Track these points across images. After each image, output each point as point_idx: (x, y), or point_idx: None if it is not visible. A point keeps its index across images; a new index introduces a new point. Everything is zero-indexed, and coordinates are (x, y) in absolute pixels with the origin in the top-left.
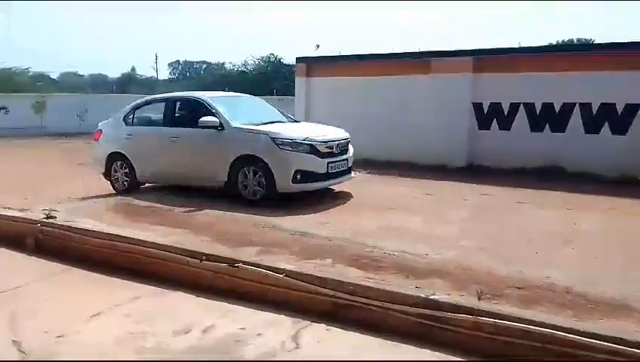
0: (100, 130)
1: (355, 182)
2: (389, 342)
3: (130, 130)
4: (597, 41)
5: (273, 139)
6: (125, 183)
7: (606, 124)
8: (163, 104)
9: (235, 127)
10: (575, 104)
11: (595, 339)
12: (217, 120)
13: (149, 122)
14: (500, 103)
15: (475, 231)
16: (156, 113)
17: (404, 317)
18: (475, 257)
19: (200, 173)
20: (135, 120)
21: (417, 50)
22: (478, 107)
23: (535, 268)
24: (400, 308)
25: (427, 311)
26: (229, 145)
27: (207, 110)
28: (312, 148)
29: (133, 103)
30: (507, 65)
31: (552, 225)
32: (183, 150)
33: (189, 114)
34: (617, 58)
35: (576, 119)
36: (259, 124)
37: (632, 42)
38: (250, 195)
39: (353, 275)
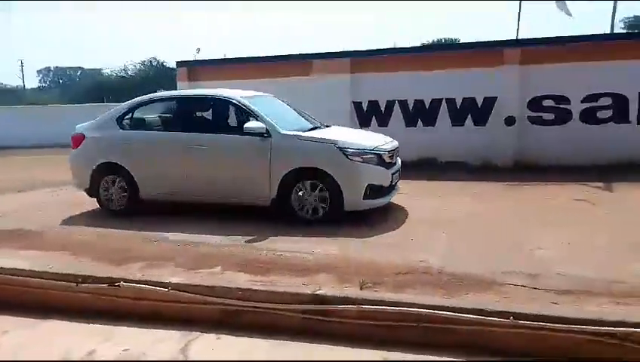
0: (81, 135)
1: None
2: (278, 341)
3: (130, 135)
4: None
5: (341, 149)
6: (122, 202)
7: (469, 116)
8: (175, 104)
9: (286, 135)
10: (442, 99)
11: (461, 313)
12: (264, 126)
13: (157, 125)
14: (377, 101)
15: None
16: (164, 114)
17: (292, 315)
18: (350, 248)
19: (238, 188)
20: (135, 122)
21: (299, 53)
22: (358, 106)
23: (411, 253)
24: (288, 307)
25: (314, 307)
26: (279, 156)
27: (243, 113)
28: (379, 159)
29: (131, 102)
30: (382, 65)
31: (424, 213)
32: (211, 161)
33: (217, 117)
34: (473, 56)
35: (443, 113)
36: (307, 130)
37: (484, 42)
38: (307, 214)
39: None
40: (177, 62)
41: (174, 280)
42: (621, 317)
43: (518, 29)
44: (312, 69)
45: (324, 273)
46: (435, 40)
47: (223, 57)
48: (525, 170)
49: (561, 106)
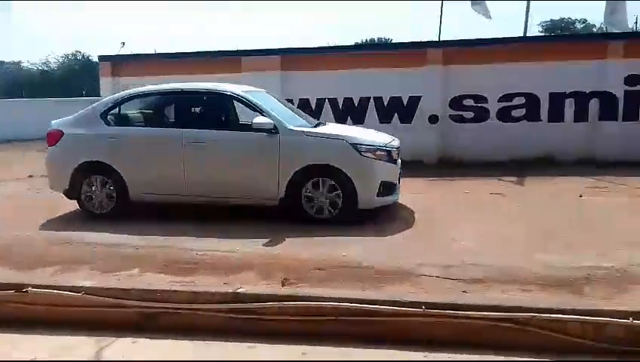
0: (59, 132)
1: None
2: (200, 342)
3: (118, 132)
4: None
5: (354, 145)
6: (110, 204)
7: (396, 114)
8: (169, 98)
9: (294, 130)
10: (370, 98)
11: (378, 305)
12: (272, 121)
13: (148, 121)
14: (308, 99)
15: None
16: (155, 109)
17: (213, 315)
18: (279, 245)
19: (242, 188)
20: (122, 117)
21: (228, 50)
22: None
23: (334, 249)
24: (209, 307)
25: (236, 306)
26: (288, 153)
27: (246, 108)
28: (388, 156)
29: (118, 95)
30: (313, 64)
31: None
32: (212, 159)
33: (216, 112)
34: (399, 56)
35: (372, 111)
36: (313, 126)
37: (409, 42)
38: (317, 213)
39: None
40: (100, 56)
41: (88, 284)
42: (522, 303)
43: (440, 30)
44: (241, 67)
45: (248, 271)
46: (368, 40)
47: (149, 53)
48: (449, 166)
49: (479, 105)
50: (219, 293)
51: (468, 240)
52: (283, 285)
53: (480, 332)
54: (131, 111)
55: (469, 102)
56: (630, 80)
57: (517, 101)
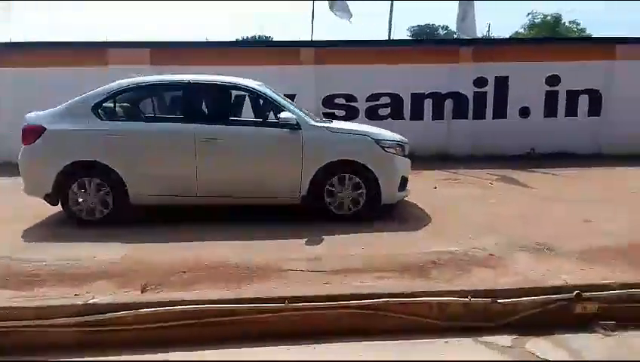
0: (39, 127)
1: None
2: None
3: (117, 127)
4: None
5: (377, 141)
6: (105, 209)
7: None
8: (176, 91)
9: (316, 126)
10: (246, 95)
11: (240, 304)
12: (295, 117)
13: (150, 115)
14: None
15: None
16: (159, 102)
17: (63, 330)
18: (139, 252)
19: (263, 186)
20: (120, 111)
21: (93, 41)
22: None
23: (205, 250)
24: (58, 322)
25: (88, 318)
26: (312, 150)
27: (265, 103)
28: (403, 151)
29: (112, 86)
30: (185, 58)
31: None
32: (229, 156)
33: (230, 106)
34: (273, 53)
35: (247, 108)
36: (326, 122)
37: (285, 41)
38: (340, 210)
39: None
40: None
41: None
42: (378, 290)
43: (312, 30)
44: (109, 59)
45: (104, 279)
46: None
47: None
48: None
49: (350, 104)
50: (70, 306)
51: None
52: (143, 291)
53: (339, 320)
54: (128, 104)
55: (341, 100)
56: (478, 82)
57: (383, 100)
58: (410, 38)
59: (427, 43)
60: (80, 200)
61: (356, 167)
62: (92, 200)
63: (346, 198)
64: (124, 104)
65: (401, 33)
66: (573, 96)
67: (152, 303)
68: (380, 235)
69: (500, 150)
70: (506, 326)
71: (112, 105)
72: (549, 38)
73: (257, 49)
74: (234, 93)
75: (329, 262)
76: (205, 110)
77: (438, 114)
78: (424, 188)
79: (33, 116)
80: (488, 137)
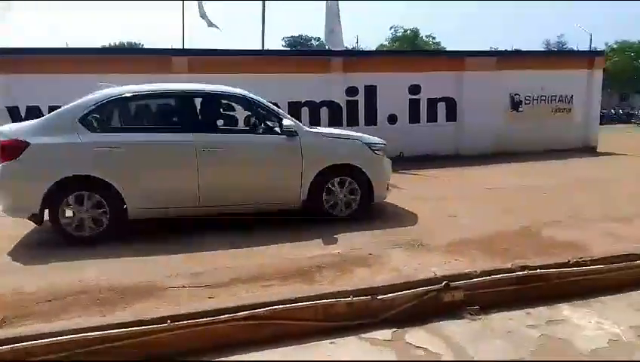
0: (22, 142)
1: None
2: None
3: (108, 138)
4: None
5: (368, 144)
6: (101, 226)
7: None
8: (168, 100)
9: (312, 132)
10: None
11: (120, 328)
12: (294, 124)
13: (141, 126)
14: (38, 107)
15: None
16: (149, 111)
17: None
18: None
19: (266, 193)
20: (110, 121)
21: None
22: (13, 111)
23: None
24: None
25: None
26: (310, 155)
27: (259, 110)
28: (385, 152)
29: (98, 96)
30: (45, 66)
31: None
32: (231, 165)
33: (227, 115)
34: (145, 61)
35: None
36: (312, 128)
37: (154, 49)
38: (339, 212)
39: None
40: None
41: None
42: (262, 299)
43: (183, 39)
44: None
45: None
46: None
47: None
48: None
49: (227, 113)
50: None
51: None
52: (1, 326)
53: (229, 334)
54: (120, 114)
55: None
56: (349, 91)
57: None
58: (286, 49)
59: (300, 53)
60: (72, 216)
61: (351, 170)
62: (86, 217)
63: (342, 200)
64: (116, 114)
65: (276, 43)
66: (432, 103)
67: (8, 339)
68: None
69: None
70: (387, 321)
71: (101, 115)
72: (411, 51)
73: (127, 56)
74: (229, 101)
75: (213, 275)
76: (203, 119)
77: (314, 122)
78: None
79: (10, 129)
80: None
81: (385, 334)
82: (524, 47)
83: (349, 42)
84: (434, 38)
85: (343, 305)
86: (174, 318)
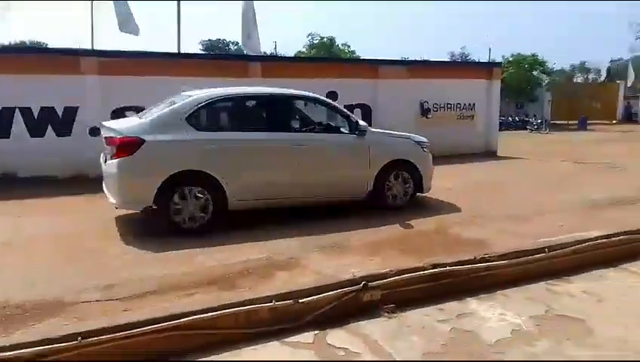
0: (138, 139)
1: None
2: None
3: (213, 137)
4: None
5: (418, 142)
6: (204, 216)
7: (49, 126)
8: (259, 102)
9: (376, 132)
10: (15, 108)
11: (26, 348)
12: (366, 124)
13: (245, 125)
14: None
15: None
16: (243, 112)
17: None
18: None
19: (340, 186)
20: (213, 121)
21: None
22: None
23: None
24: None
25: None
26: (376, 152)
27: (334, 112)
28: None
29: (201, 97)
30: None
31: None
32: (315, 161)
33: (309, 116)
34: (50, 62)
35: (18, 124)
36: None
37: (60, 49)
38: (397, 202)
39: None
40: None
41: None
42: (182, 309)
43: (92, 39)
44: None
45: None
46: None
47: None
48: None
49: None
50: None
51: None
52: None
53: (150, 345)
54: (219, 114)
55: (131, 114)
56: None
57: None
58: (203, 52)
59: (220, 57)
60: (181, 209)
61: (407, 165)
62: (193, 209)
63: (400, 192)
64: (216, 114)
65: (194, 47)
66: (349, 109)
67: None
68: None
69: None
70: (309, 324)
71: (204, 115)
72: (329, 58)
73: (28, 56)
74: (311, 104)
75: (127, 286)
76: (291, 119)
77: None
78: None
79: (127, 127)
80: None
81: (308, 336)
82: (432, 57)
83: (267, 48)
84: (349, 46)
85: (265, 310)
86: (86, 334)
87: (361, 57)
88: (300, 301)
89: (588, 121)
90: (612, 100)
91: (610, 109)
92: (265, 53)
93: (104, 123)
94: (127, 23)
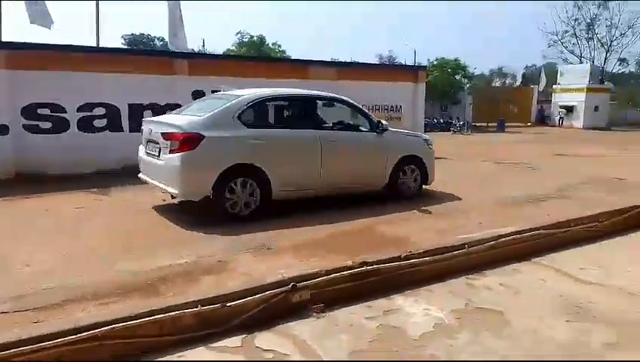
0: (198, 135)
1: None
2: None
3: (262, 133)
4: None
5: (424, 140)
6: (251, 206)
7: None
8: (295, 102)
9: (392, 131)
10: None
11: None
12: (387, 123)
13: (284, 123)
14: None
15: None
16: (280, 111)
17: None
18: None
19: (362, 178)
20: (259, 119)
21: None
22: None
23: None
24: None
25: None
26: (392, 148)
27: (357, 112)
28: None
29: (250, 97)
30: None
31: None
32: (342, 156)
33: (337, 116)
34: None
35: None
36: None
37: None
38: (408, 192)
39: None
40: None
41: None
42: (100, 318)
43: (0, 30)
44: None
45: None
46: None
47: None
48: (29, 181)
49: (58, 115)
50: None
51: (45, 264)
52: None
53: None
54: (262, 113)
55: (45, 111)
56: (196, 95)
57: (98, 111)
58: (126, 47)
59: (143, 53)
60: (234, 198)
61: (416, 160)
62: (244, 199)
63: (410, 183)
64: (261, 113)
65: (116, 42)
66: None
67: None
68: None
69: None
70: (237, 327)
71: (251, 113)
72: (259, 57)
73: None
74: (339, 105)
75: (42, 296)
76: (322, 118)
77: None
78: (147, 201)
79: (188, 124)
80: None
81: (235, 341)
82: (361, 60)
83: (194, 45)
84: (279, 45)
85: (191, 315)
86: None
87: (292, 57)
88: (228, 304)
89: (505, 124)
90: (527, 104)
91: (525, 112)
92: (192, 50)
93: (153, 118)
94: (39, 15)
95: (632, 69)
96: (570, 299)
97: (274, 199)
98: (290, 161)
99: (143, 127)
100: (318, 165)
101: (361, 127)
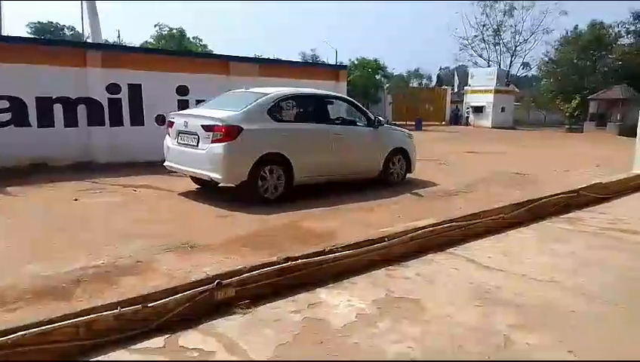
0: (238, 127)
1: None
2: None
3: (286, 127)
4: None
5: (408, 134)
6: (278, 189)
7: None
8: (309, 100)
9: (386, 126)
10: None
11: None
12: (384, 119)
13: (302, 118)
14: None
15: None
16: (299, 108)
17: None
18: None
19: (362, 166)
20: (281, 115)
21: None
22: None
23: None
24: None
25: None
26: (385, 141)
27: (356, 109)
28: None
29: (277, 95)
30: None
31: None
32: (348, 147)
33: (339, 112)
34: None
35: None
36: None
37: None
38: (395, 179)
39: None
40: None
41: None
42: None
43: None
44: None
45: None
46: None
47: None
48: None
49: None
50: None
51: None
52: None
53: None
54: (285, 109)
55: None
56: (111, 88)
57: (0, 105)
58: (31, 36)
59: (51, 43)
60: (265, 183)
61: (402, 152)
62: (273, 183)
63: (398, 172)
64: (285, 108)
65: (20, 30)
66: (185, 104)
67: None
68: None
69: (139, 157)
70: (160, 328)
71: (278, 109)
72: (179, 51)
73: None
74: (342, 103)
75: None
76: (331, 114)
77: (71, 120)
78: (64, 201)
79: (229, 116)
80: (126, 144)
81: (158, 342)
82: (285, 58)
83: (109, 36)
84: (200, 40)
85: (109, 318)
86: None
87: (213, 52)
88: (149, 305)
89: (422, 122)
90: (441, 104)
91: (440, 112)
92: (106, 41)
93: (186, 112)
94: None
95: (534, 73)
96: (479, 285)
97: (295, 185)
98: (309, 150)
99: (171, 120)
100: (329, 155)
101: (357, 122)
